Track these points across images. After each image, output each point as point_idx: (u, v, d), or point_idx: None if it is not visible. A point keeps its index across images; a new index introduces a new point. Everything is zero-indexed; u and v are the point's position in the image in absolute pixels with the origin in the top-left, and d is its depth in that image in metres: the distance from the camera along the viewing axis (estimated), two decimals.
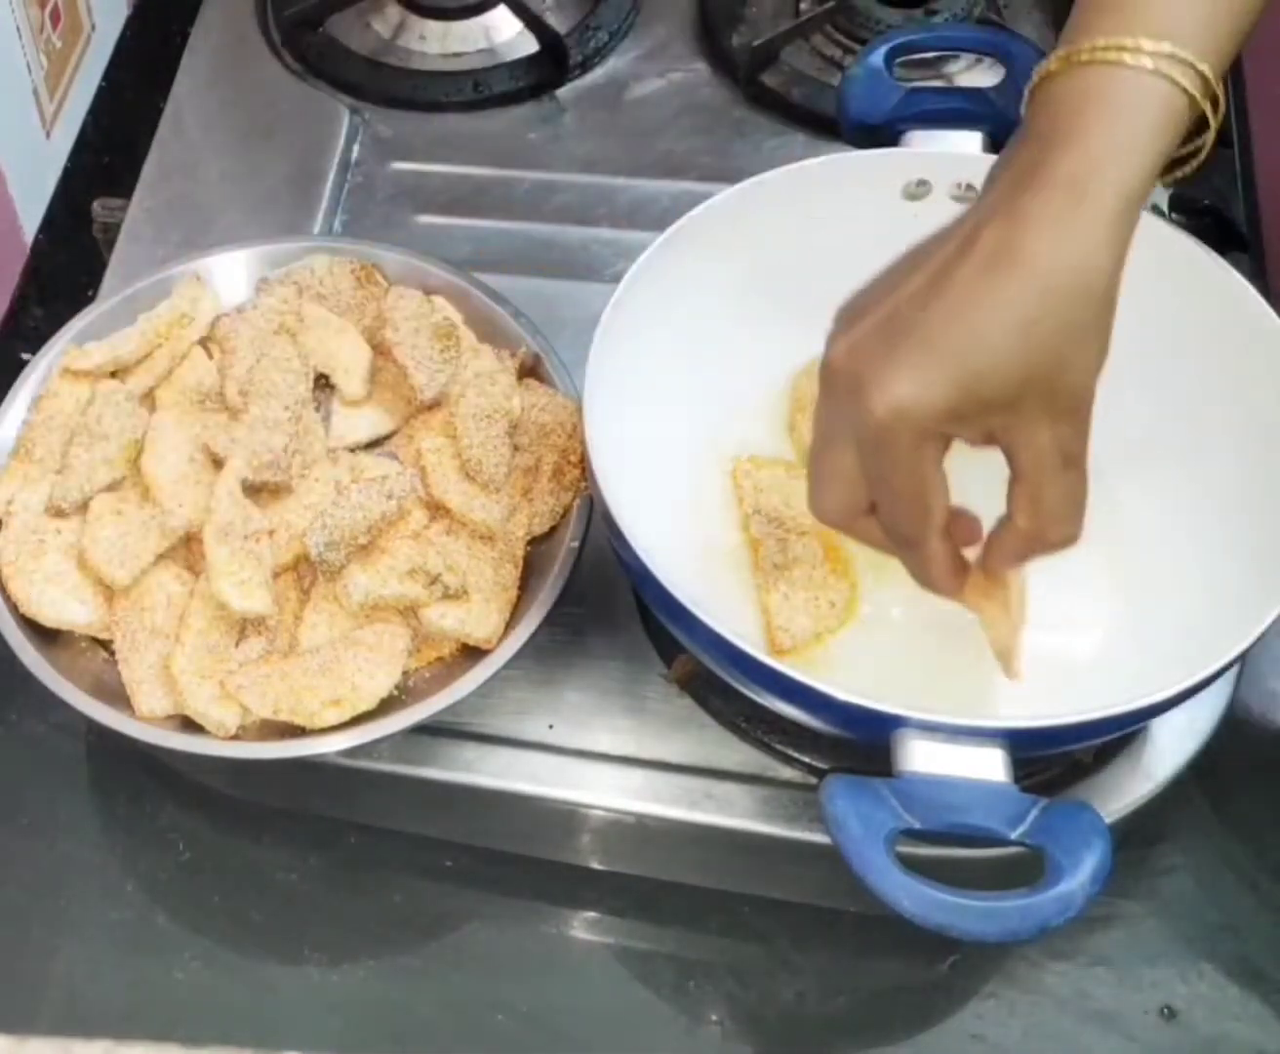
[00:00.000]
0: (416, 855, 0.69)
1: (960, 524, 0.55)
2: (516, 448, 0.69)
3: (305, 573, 0.67)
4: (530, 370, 0.73)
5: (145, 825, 0.71)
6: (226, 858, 0.70)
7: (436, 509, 0.68)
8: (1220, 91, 0.52)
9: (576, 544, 0.66)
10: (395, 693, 0.63)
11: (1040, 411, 0.49)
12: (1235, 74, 0.97)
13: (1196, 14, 0.51)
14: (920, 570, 0.54)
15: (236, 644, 0.64)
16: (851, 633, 0.65)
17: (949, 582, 0.54)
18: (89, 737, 0.72)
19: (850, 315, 0.52)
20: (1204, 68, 0.50)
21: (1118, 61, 0.50)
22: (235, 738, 0.61)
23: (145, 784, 0.71)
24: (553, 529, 0.68)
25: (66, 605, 0.64)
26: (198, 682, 0.62)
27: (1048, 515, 0.52)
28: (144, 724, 0.62)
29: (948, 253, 0.49)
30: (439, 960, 0.67)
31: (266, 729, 0.62)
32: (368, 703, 0.62)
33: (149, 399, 0.71)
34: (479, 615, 0.64)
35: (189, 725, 0.62)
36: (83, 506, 0.66)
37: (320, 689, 0.61)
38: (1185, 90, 0.50)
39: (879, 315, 0.50)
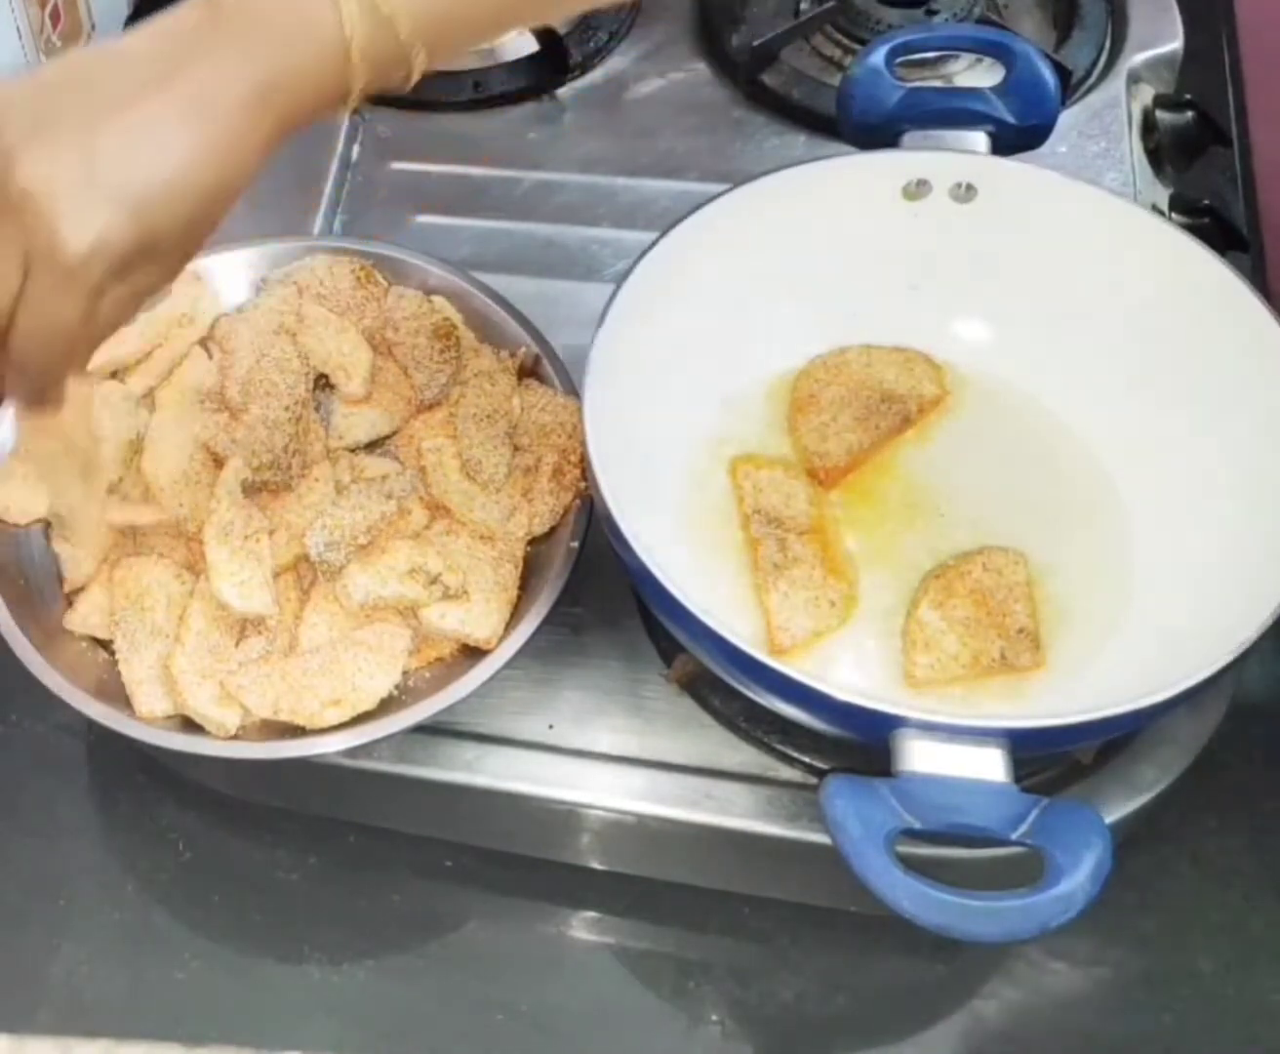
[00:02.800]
0: (416, 855, 0.69)
1: None
2: (516, 448, 0.69)
3: (305, 573, 0.67)
4: (530, 370, 0.73)
5: (145, 825, 0.71)
6: (226, 858, 0.70)
7: (436, 509, 0.68)
8: (418, 55, 0.53)
9: (576, 544, 0.66)
10: (395, 693, 0.63)
11: (168, 263, 0.53)
12: (1235, 74, 0.97)
13: None
14: (38, 396, 0.54)
15: (236, 644, 0.64)
16: (851, 632, 0.65)
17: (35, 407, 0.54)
18: (89, 737, 0.73)
19: (35, 118, 0.50)
20: (386, 9, 0.51)
21: None
22: (235, 738, 0.61)
23: (145, 784, 0.71)
24: (553, 529, 0.68)
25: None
26: (198, 682, 0.62)
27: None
28: (144, 724, 0.62)
29: (141, 78, 0.50)
30: (439, 960, 0.67)
31: (266, 729, 0.62)
32: (368, 703, 0.62)
33: (149, 399, 0.71)
34: (479, 615, 0.64)
35: (189, 725, 0.62)
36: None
37: (320, 689, 0.61)
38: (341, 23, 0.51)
39: (78, 147, 0.49)
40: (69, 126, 0.49)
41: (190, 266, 0.74)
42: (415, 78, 0.54)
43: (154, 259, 0.51)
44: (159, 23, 0.52)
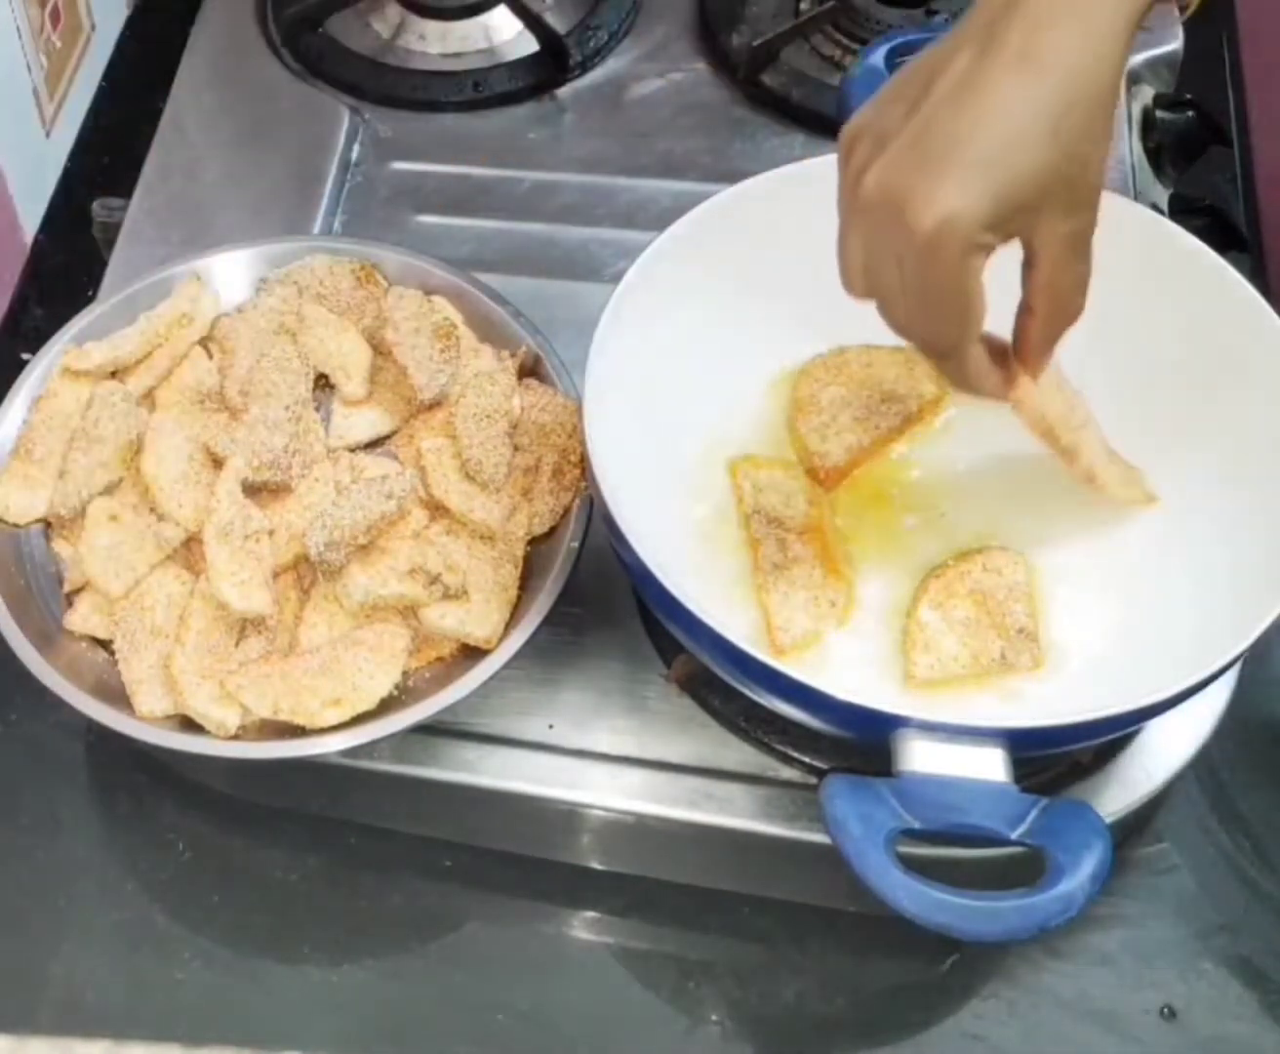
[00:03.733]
0: (416, 855, 0.69)
1: (991, 342, 0.57)
2: (516, 448, 0.69)
3: (305, 573, 0.67)
4: (530, 370, 0.73)
5: (145, 825, 0.71)
6: (226, 858, 0.70)
7: (436, 509, 0.68)
8: None
9: (576, 544, 0.66)
10: (395, 693, 0.63)
11: (1062, 208, 0.51)
12: (1235, 74, 0.97)
13: None
14: (962, 375, 0.56)
15: (236, 644, 0.64)
16: (851, 632, 0.65)
17: (994, 379, 0.57)
18: (89, 737, 0.72)
19: (869, 140, 0.52)
20: None
21: None
22: (235, 738, 0.61)
23: (145, 784, 0.71)
24: (553, 529, 0.68)
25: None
26: (198, 682, 0.62)
27: (1065, 297, 0.54)
28: (144, 724, 0.62)
29: (966, 61, 0.50)
30: (439, 960, 0.67)
31: (266, 729, 0.62)
32: (368, 703, 0.62)
33: (149, 399, 0.71)
34: (479, 615, 0.64)
35: (189, 725, 0.62)
36: (82, 513, 0.66)
37: (320, 689, 0.61)
38: None
39: (908, 133, 0.50)
40: (897, 123, 0.51)
41: (190, 266, 0.75)
42: None
43: (1036, 214, 0.51)
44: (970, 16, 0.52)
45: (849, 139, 0.54)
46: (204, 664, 0.62)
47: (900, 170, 0.50)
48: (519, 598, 0.65)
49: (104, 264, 0.84)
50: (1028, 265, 0.53)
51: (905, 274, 0.51)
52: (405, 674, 0.63)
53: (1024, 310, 0.56)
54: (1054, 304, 0.55)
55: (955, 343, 0.54)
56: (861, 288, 0.54)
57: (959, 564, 0.65)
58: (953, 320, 0.53)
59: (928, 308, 0.52)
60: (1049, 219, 0.51)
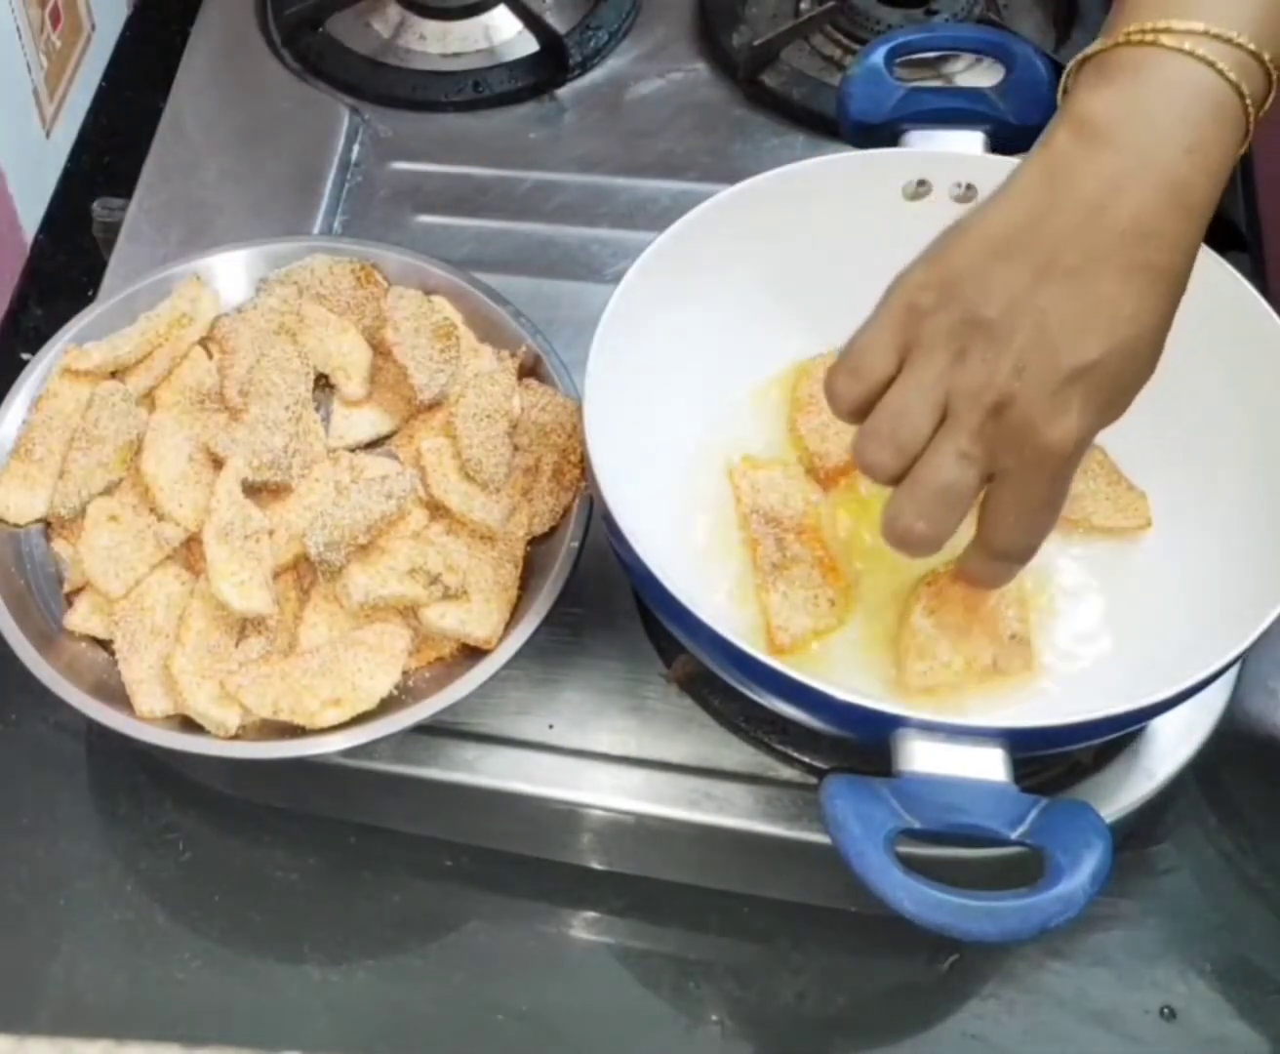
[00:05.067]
0: (416, 855, 0.69)
1: None
2: (516, 448, 0.69)
3: (305, 573, 0.67)
4: (530, 370, 0.73)
5: (145, 825, 0.71)
6: (226, 858, 0.70)
7: (436, 509, 0.68)
8: None
9: (576, 544, 0.66)
10: (395, 693, 0.63)
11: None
12: None
13: None
14: (1003, 576, 0.57)
15: (236, 644, 0.64)
16: (850, 631, 0.65)
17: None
18: (89, 737, 0.72)
19: (988, 328, 0.51)
20: (1248, 43, 0.50)
21: (1153, 43, 0.50)
22: (235, 738, 0.61)
23: (145, 784, 0.71)
24: (553, 529, 0.68)
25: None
26: (198, 682, 0.62)
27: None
28: (144, 724, 0.62)
29: (1076, 258, 0.50)
30: (439, 960, 0.67)
31: (266, 729, 0.62)
32: (368, 703, 0.61)
33: (149, 399, 0.71)
34: (479, 615, 0.64)
35: (189, 725, 0.62)
36: (82, 513, 0.66)
37: (320, 689, 0.61)
38: (1222, 72, 0.50)
39: (1031, 341, 0.50)
40: (1010, 316, 0.50)
41: (190, 266, 0.75)
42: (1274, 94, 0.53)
43: (1115, 411, 0.52)
44: (1039, 158, 0.52)
45: (919, 303, 0.53)
46: (204, 664, 0.62)
47: (1037, 376, 0.50)
48: (519, 598, 0.65)
49: (104, 264, 0.84)
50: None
51: (1012, 484, 0.52)
52: (405, 674, 0.63)
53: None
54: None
55: (1032, 547, 0.55)
56: (901, 462, 0.53)
57: (950, 568, 0.65)
58: (1045, 530, 0.54)
59: (1033, 515, 0.53)
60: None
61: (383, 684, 0.62)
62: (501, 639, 0.63)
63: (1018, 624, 0.63)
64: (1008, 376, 0.50)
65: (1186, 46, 0.50)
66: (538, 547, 0.68)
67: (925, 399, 0.52)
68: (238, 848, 0.70)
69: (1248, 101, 0.51)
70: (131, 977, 0.67)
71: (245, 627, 0.65)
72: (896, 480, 0.53)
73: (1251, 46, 0.50)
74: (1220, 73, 0.50)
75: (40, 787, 0.72)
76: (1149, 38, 0.50)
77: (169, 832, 0.70)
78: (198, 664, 0.62)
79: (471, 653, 0.64)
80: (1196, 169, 0.50)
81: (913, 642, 0.63)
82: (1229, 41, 0.50)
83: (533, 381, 0.72)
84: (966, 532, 0.67)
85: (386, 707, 0.62)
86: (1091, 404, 0.50)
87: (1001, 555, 0.55)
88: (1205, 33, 0.50)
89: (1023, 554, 0.55)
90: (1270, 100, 0.52)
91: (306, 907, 0.68)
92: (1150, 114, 0.50)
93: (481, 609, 0.64)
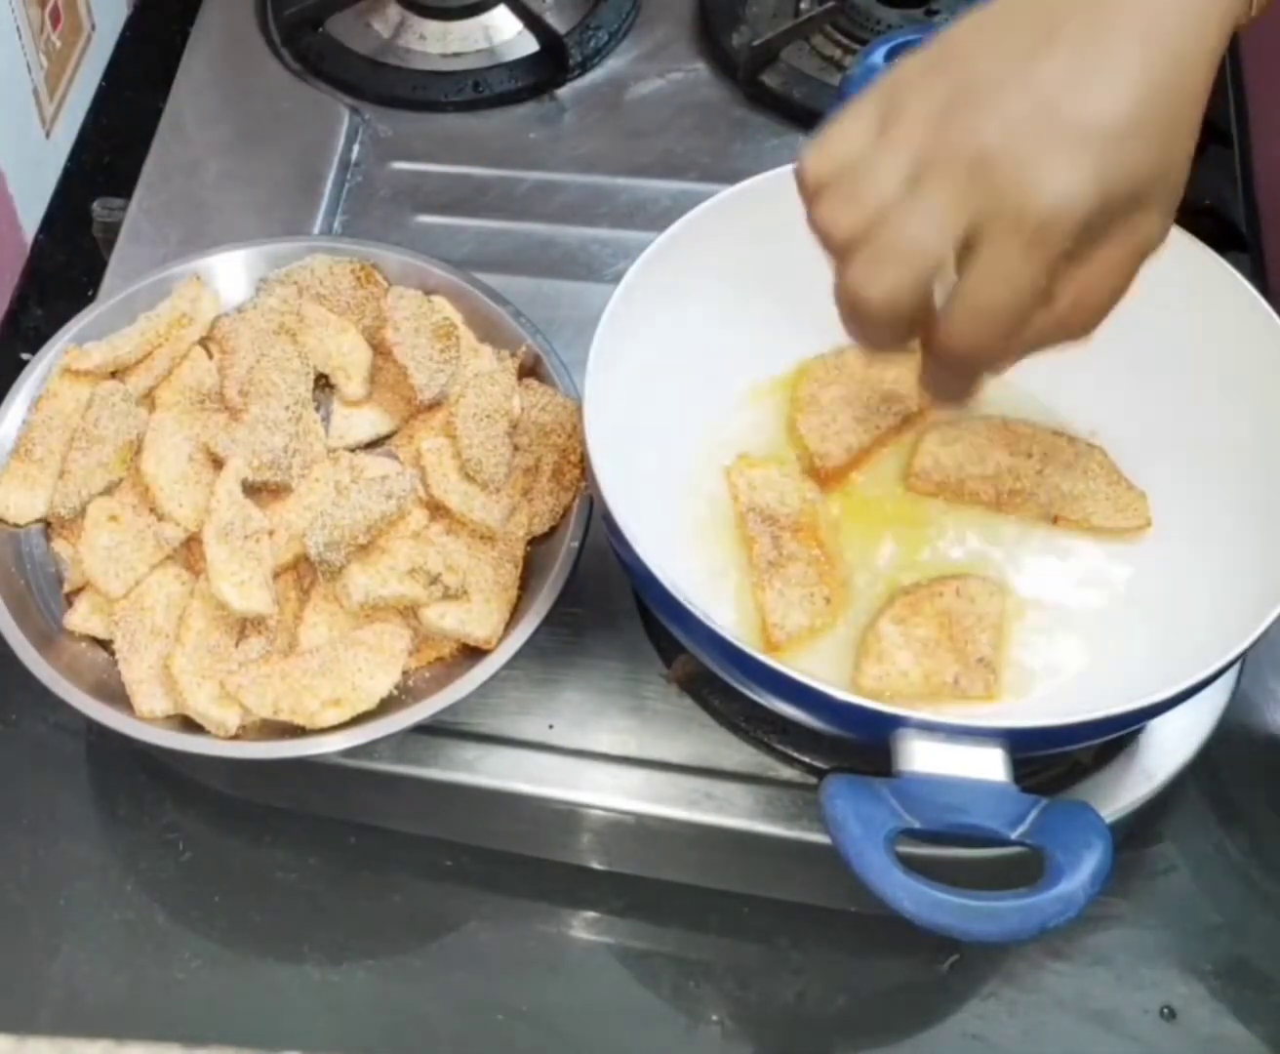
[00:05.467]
0: (416, 855, 0.69)
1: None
2: (516, 448, 0.69)
3: (305, 573, 0.67)
4: (530, 370, 0.73)
5: (145, 825, 0.71)
6: (226, 858, 0.70)
7: (436, 509, 0.68)
8: None
9: (576, 544, 0.66)
10: (395, 693, 0.63)
11: (1156, 212, 0.47)
12: (1235, 74, 0.97)
13: None
14: (959, 388, 0.50)
15: (236, 644, 0.64)
16: (847, 629, 0.65)
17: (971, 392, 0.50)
18: (89, 736, 0.72)
19: (978, 88, 0.45)
20: None
21: None
22: (235, 738, 0.61)
23: (145, 784, 0.71)
24: (553, 529, 0.68)
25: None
26: (198, 682, 0.62)
27: (1097, 313, 0.49)
28: (144, 724, 0.62)
29: (1081, 28, 0.44)
30: (439, 960, 0.67)
31: (266, 729, 0.62)
32: (368, 703, 0.62)
33: (149, 399, 0.71)
34: (479, 615, 0.64)
35: (189, 725, 0.62)
36: (82, 513, 0.66)
37: (320, 689, 0.61)
38: None
39: (1029, 96, 0.44)
40: (997, 80, 0.45)
41: (190, 266, 0.75)
42: None
43: (1135, 207, 0.45)
44: None
45: (920, 67, 0.47)
46: (204, 664, 0.62)
47: (1028, 134, 0.44)
48: (519, 598, 0.65)
49: (104, 264, 0.84)
50: (1072, 261, 0.46)
51: (986, 256, 0.45)
52: (405, 674, 0.63)
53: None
54: (1082, 317, 0.48)
55: (1004, 352, 0.47)
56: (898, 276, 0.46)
57: (932, 584, 0.65)
58: (1012, 326, 0.46)
59: (1007, 299, 0.45)
60: (1136, 223, 0.46)
61: (383, 684, 0.62)
62: (501, 639, 0.64)
63: (988, 648, 0.63)
64: (996, 130, 0.44)
65: None
66: (538, 546, 0.68)
67: (896, 157, 0.45)
68: (238, 848, 0.70)
69: None
70: (131, 977, 0.67)
71: (245, 627, 0.65)
72: (852, 248, 0.46)
73: None
74: None
75: (40, 787, 0.72)
76: None
77: (169, 832, 0.70)
78: (198, 664, 0.62)
79: (471, 653, 0.64)
80: None
81: (875, 645, 0.63)
82: None
83: (533, 381, 0.72)
84: (976, 544, 0.67)
85: (386, 707, 0.62)
86: (1101, 167, 0.43)
87: (962, 354, 0.47)
88: None
89: (987, 353, 0.47)
90: None
91: (306, 907, 0.68)
92: None
93: (481, 609, 0.64)
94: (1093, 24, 0.44)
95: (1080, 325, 0.48)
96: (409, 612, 0.64)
